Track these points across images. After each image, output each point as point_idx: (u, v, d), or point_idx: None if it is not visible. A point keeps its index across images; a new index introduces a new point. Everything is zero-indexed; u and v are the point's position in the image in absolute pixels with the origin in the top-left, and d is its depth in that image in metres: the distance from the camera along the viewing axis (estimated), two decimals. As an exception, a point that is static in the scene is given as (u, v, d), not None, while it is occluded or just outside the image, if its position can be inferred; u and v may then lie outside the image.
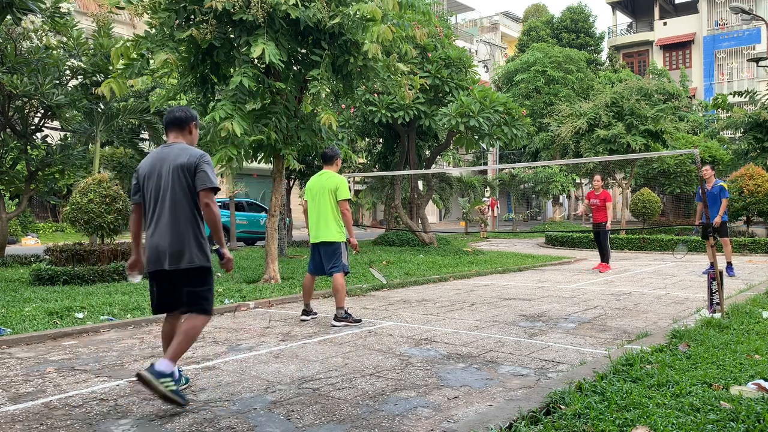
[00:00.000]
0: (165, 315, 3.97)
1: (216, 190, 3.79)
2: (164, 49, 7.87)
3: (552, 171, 32.10)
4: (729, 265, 10.49)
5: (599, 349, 5.09)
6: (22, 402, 3.86)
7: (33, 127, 12.68)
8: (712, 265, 10.15)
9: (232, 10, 7.73)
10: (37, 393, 4.06)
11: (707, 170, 10.35)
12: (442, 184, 27.50)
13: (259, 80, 8.22)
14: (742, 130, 20.79)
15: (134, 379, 4.37)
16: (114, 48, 8.61)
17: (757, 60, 22.65)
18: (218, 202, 19.70)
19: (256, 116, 8.70)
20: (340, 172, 6.95)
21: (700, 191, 10.23)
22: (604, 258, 11.75)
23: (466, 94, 14.46)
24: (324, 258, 6.48)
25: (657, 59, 41.62)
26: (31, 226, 24.70)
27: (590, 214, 12.16)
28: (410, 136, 16.80)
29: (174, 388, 3.56)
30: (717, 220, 10.10)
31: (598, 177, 12.02)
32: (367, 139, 19.28)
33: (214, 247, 3.89)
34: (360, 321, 6.48)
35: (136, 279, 4.09)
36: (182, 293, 3.80)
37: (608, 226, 11.72)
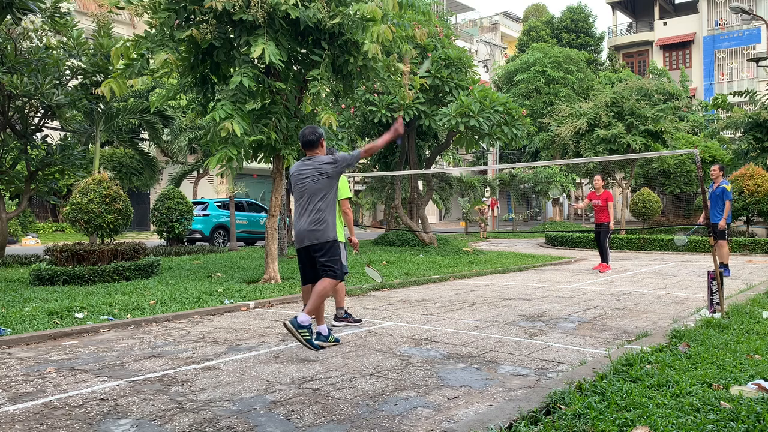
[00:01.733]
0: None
1: None
2: (164, 49, 7.87)
3: (552, 171, 32.11)
4: (725, 267, 10.48)
5: (599, 349, 5.09)
6: (22, 402, 3.86)
7: (33, 127, 12.68)
8: (724, 265, 10.21)
9: (232, 10, 7.73)
10: (37, 393, 4.06)
11: (714, 170, 10.35)
12: (442, 184, 27.52)
13: (259, 80, 8.22)
14: (742, 130, 20.80)
15: (134, 378, 4.37)
16: (114, 48, 8.62)
17: (757, 60, 22.65)
18: (218, 202, 19.77)
19: (256, 116, 8.70)
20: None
21: (713, 189, 10.27)
22: (604, 258, 11.75)
23: (466, 94, 14.45)
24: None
25: (657, 59, 41.63)
26: (31, 226, 24.72)
27: (591, 214, 12.23)
28: (410, 136, 16.80)
29: (309, 337, 4.67)
30: (722, 223, 10.11)
31: (598, 177, 12.00)
32: (367, 139, 19.27)
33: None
34: (360, 321, 6.48)
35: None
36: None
37: (611, 226, 11.74)
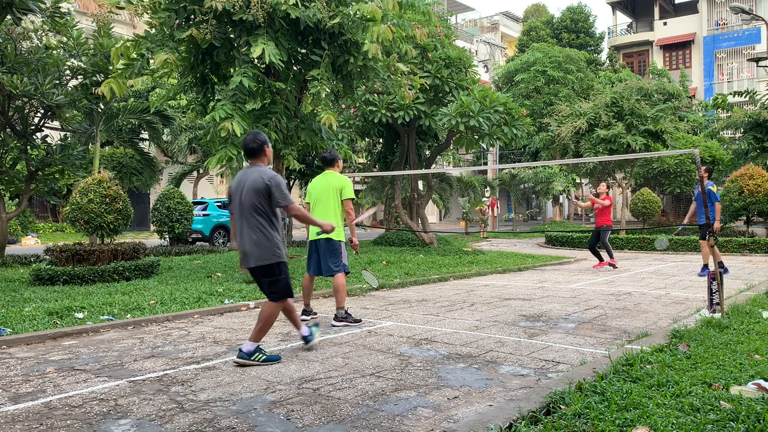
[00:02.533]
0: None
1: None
2: (164, 49, 7.88)
3: (552, 171, 32.11)
4: (705, 267, 10.58)
5: (599, 349, 5.09)
6: (22, 402, 3.86)
7: (33, 127, 12.68)
8: (721, 264, 10.28)
9: (232, 10, 7.73)
10: (37, 393, 4.06)
11: (701, 170, 10.41)
12: (442, 184, 27.52)
13: (259, 80, 8.22)
14: (742, 130, 20.79)
15: (134, 378, 4.37)
16: (114, 48, 8.63)
17: (757, 60, 22.65)
18: (218, 202, 19.77)
19: (256, 116, 8.70)
20: (342, 172, 6.96)
21: (699, 190, 10.33)
22: (610, 254, 12.12)
23: (466, 94, 14.45)
24: (323, 256, 6.45)
25: (657, 59, 41.64)
26: (31, 226, 24.72)
27: (591, 214, 12.47)
28: (410, 136, 16.80)
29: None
30: (717, 225, 10.22)
31: (604, 185, 12.44)
32: (367, 139, 19.28)
33: None
34: (360, 321, 6.48)
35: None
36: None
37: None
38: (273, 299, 4.79)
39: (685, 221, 11.36)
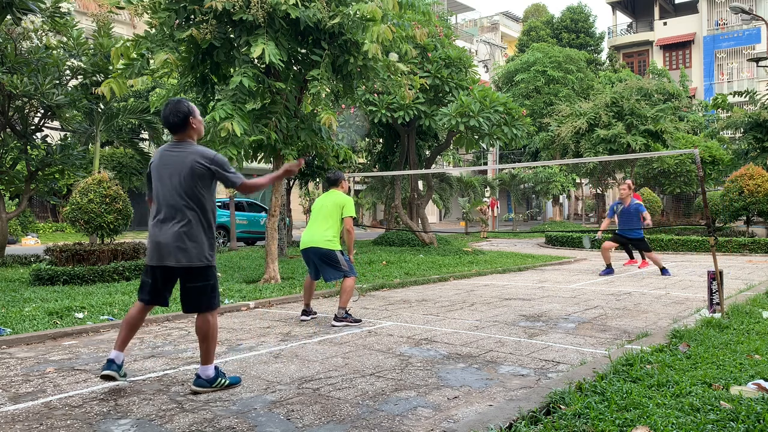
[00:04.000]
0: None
1: None
2: (164, 49, 7.87)
3: (552, 171, 32.11)
4: (664, 269, 10.74)
5: (599, 349, 5.09)
6: (22, 402, 3.86)
7: (33, 127, 12.68)
8: (608, 267, 10.67)
9: (232, 10, 7.73)
10: (37, 393, 4.06)
11: (624, 189, 10.47)
12: (442, 184, 27.52)
13: (259, 80, 8.22)
14: (742, 130, 20.79)
15: (134, 378, 4.37)
16: (114, 48, 8.62)
17: (757, 60, 22.65)
18: (218, 202, 19.76)
19: (256, 116, 8.70)
20: (342, 171, 6.99)
21: (615, 206, 10.56)
22: (630, 254, 12.34)
23: (466, 94, 14.45)
24: (320, 268, 6.48)
25: (657, 59, 41.64)
26: (31, 226, 24.72)
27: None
28: (410, 136, 16.80)
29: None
30: (649, 222, 10.69)
31: (629, 183, 12.33)
32: (367, 139, 19.28)
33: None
34: (360, 321, 6.49)
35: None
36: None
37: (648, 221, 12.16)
38: (211, 307, 3.99)
39: (603, 226, 11.78)
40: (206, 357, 4.01)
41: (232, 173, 3.98)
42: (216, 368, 4.03)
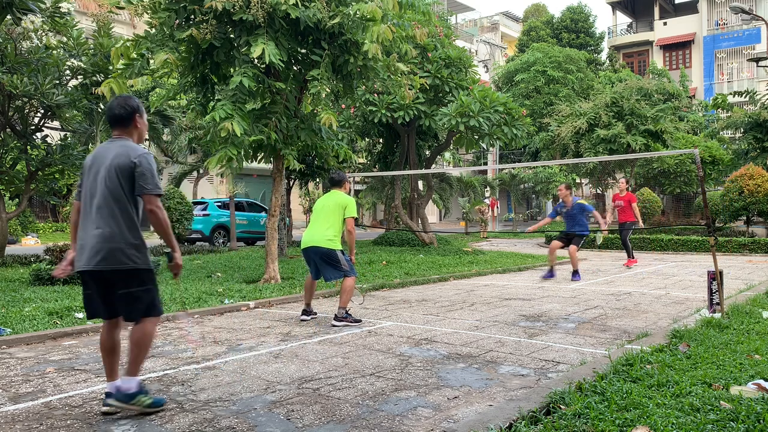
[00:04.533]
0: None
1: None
2: (164, 49, 7.87)
3: (552, 171, 32.10)
4: (575, 272, 10.58)
5: (599, 349, 5.09)
6: (22, 402, 3.86)
7: (33, 127, 12.67)
8: (551, 270, 10.56)
9: (232, 10, 7.73)
10: (37, 393, 4.06)
11: (561, 189, 10.40)
12: (442, 184, 27.51)
13: (259, 80, 8.22)
14: (742, 130, 20.78)
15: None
16: (114, 48, 8.61)
17: (757, 60, 22.64)
18: (218, 202, 19.76)
19: (256, 116, 8.70)
20: (342, 171, 7.01)
21: (559, 208, 10.52)
22: (629, 253, 12.73)
23: (466, 94, 14.45)
24: (321, 267, 6.48)
25: (657, 59, 41.62)
26: (31, 226, 24.71)
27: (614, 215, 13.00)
28: (410, 136, 16.80)
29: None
30: (609, 221, 11.29)
31: (623, 180, 13.05)
32: (367, 139, 19.27)
33: None
34: (360, 321, 6.49)
35: None
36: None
37: (640, 224, 12.55)
38: (132, 318, 3.64)
39: (543, 223, 11.69)
40: (132, 366, 3.61)
41: (151, 180, 3.56)
42: (139, 383, 3.61)
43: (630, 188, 17.59)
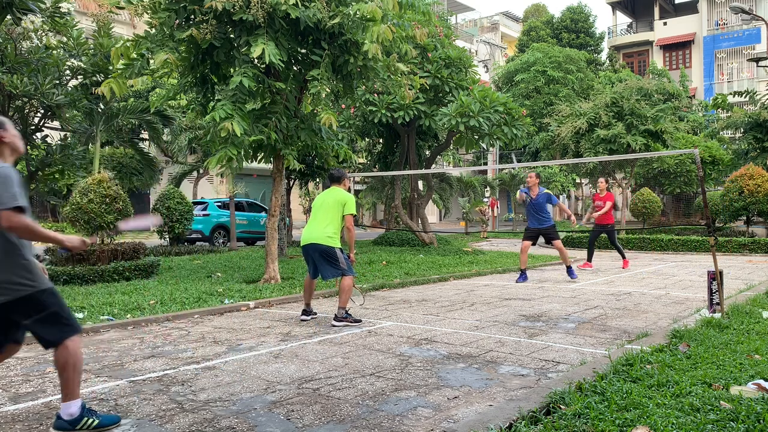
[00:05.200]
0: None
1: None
2: (164, 49, 7.87)
3: (552, 171, 32.10)
4: (569, 269, 10.51)
5: (599, 349, 5.09)
6: (22, 402, 3.86)
7: (33, 127, 12.67)
8: (522, 272, 10.45)
9: (232, 10, 7.73)
10: (37, 393, 4.06)
11: (531, 177, 10.30)
12: (442, 184, 27.51)
13: (259, 80, 8.22)
14: (742, 130, 20.78)
15: (134, 378, 4.37)
16: (114, 48, 8.61)
17: (757, 60, 22.64)
18: (218, 202, 19.76)
19: (256, 116, 8.70)
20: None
21: (524, 192, 10.36)
22: (622, 255, 12.52)
23: (466, 94, 14.45)
24: (318, 264, 6.47)
25: (657, 59, 41.62)
26: (31, 226, 24.63)
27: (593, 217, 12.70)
28: (410, 136, 16.80)
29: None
30: (584, 221, 11.28)
31: (602, 180, 12.59)
32: (367, 139, 19.27)
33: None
34: (360, 321, 6.48)
35: None
36: None
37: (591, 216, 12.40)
38: (52, 344, 3.33)
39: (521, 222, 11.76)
40: (66, 391, 3.34)
41: (3, 193, 3.08)
42: (82, 406, 3.37)
43: (631, 188, 17.54)
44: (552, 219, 10.59)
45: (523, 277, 10.33)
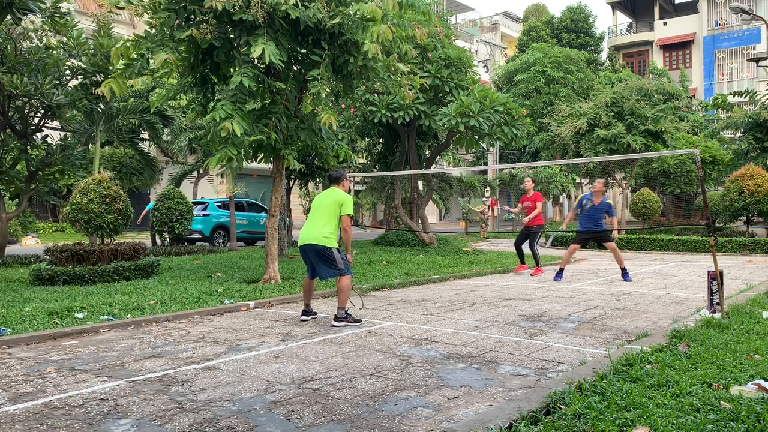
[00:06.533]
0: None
1: None
2: (164, 49, 7.87)
3: (552, 171, 32.09)
4: (560, 271, 10.48)
5: (599, 349, 5.09)
6: (22, 402, 3.86)
7: (33, 127, 12.67)
8: (561, 270, 10.49)
9: (232, 10, 7.73)
10: (37, 393, 4.06)
11: (598, 183, 10.35)
12: (442, 184, 27.52)
13: (259, 80, 8.22)
14: (742, 130, 20.78)
15: (134, 378, 4.37)
16: (114, 48, 8.61)
17: (757, 60, 22.63)
18: (218, 202, 19.75)
19: (256, 116, 8.70)
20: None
21: (585, 200, 10.31)
22: (522, 260, 11.89)
23: (466, 94, 14.44)
24: (315, 264, 6.46)
25: (657, 59, 41.61)
26: (31, 226, 24.70)
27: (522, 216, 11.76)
28: (410, 136, 16.80)
29: None
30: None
31: (528, 179, 11.65)
32: (367, 139, 19.27)
33: None
34: (360, 321, 6.48)
35: None
36: None
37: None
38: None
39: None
40: None
41: None
42: None
43: (631, 188, 17.42)
44: (604, 224, 10.60)
45: (560, 275, 10.47)
